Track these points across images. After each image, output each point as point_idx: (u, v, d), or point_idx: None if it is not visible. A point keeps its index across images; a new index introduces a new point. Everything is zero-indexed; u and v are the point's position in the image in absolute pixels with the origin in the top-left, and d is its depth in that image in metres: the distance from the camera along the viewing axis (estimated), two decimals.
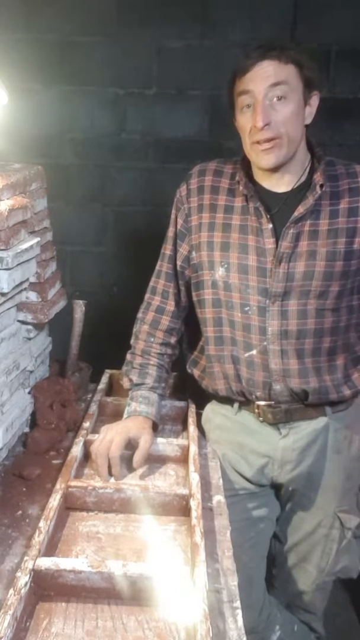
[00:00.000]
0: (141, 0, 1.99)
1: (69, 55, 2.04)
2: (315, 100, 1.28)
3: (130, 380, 1.45)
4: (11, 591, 0.90)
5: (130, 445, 1.31)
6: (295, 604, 1.59)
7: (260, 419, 1.41)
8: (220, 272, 1.35)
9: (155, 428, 1.40)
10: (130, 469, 1.31)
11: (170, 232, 1.46)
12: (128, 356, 1.49)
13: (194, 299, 1.44)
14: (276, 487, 1.50)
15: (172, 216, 1.45)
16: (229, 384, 1.42)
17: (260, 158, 1.26)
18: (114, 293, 2.24)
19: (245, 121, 1.25)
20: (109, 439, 1.29)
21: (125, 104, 2.09)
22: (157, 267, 1.48)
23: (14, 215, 1.30)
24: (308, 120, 1.28)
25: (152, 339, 1.47)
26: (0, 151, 1.69)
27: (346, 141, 2.11)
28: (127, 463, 1.31)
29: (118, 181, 2.16)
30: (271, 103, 1.21)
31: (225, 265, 1.34)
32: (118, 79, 2.06)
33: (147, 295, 1.50)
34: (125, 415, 1.40)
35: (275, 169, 1.28)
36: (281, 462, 1.42)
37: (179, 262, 1.44)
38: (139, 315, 1.50)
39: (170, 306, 1.47)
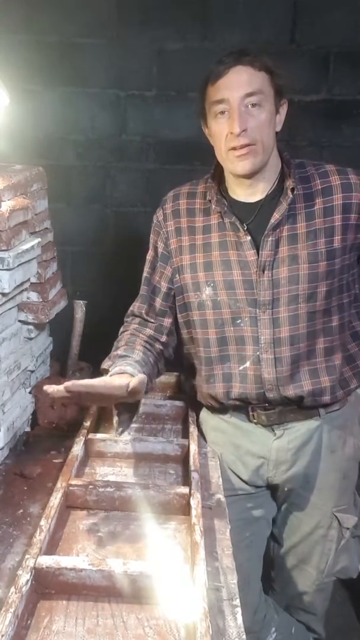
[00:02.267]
0: (141, 2, 2.00)
1: (69, 57, 2.04)
2: (284, 109, 1.28)
3: (114, 356, 1.31)
4: (12, 589, 0.90)
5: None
6: (295, 605, 1.59)
7: (254, 421, 1.42)
8: (207, 291, 1.35)
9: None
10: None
11: (150, 256, 1.45)
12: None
13: (180, 320, 1.43)
14: (272, 488, 1.50)
15: (152, 241, 1.45)
16: (219, 401, 1.42)
17: (236, 165, 1.26)
18: (114, 293, 2.24)
19: (220, 128, 1.24)
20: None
21: (126, 105, 2.10)
22: (141, 292, 1.45)
23: (15, 216, 1.31)
24: (278, 128, 1.28)
25: (136, 337, 1.39)
26: (2, 152, 1.70)
27: (345, 142, 2.12)
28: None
29: (119, 182, 2.17)
30: (247, 109, 1.21)
31: (212, 284, 1.34)
32: (119, 81, 2.07)
33: (127, 320, 1.46)
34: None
35: (250, 176, 1.29)
36: (276, 463, 1.43)
37: (165, 284, 1.42)
38: (120, 331, 1.44)
39: (152, 322, 1.42)
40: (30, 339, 1.51)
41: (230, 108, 1.22)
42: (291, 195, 1.28)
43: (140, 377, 1.11)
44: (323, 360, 1.36)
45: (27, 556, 0.97)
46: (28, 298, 1.49)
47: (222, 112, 1.23)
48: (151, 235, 1.45)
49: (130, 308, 1.47)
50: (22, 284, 1.39)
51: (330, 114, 2.08)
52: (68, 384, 1.02)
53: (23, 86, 1.99)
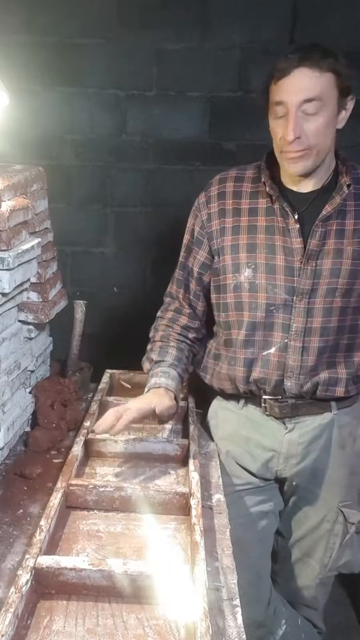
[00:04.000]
0: (141, 3, 2.00)
1: (69, 57, 2.05)
2: (350, 105, 1.28)
3: (151, 360, 1.46)
4: (12, 589, 0.90)
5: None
6: (297, 600, 1.60)
7: (267, 413, 1.43)
8: (246, 273, 1.36)
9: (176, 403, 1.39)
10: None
11: (186, 240, 1.48)
12: (148, 346, 1.51)
13: (213, 301, 1.45)
14: (280, 482, 1.51)
15: (189, 224, 1.47)
16: (236, 384, 1.43)
17: (288, 166, 1.28)
18: (114, 293, 2.25)
19: (277, 128, 1.26)
20: (129, 405, 1.30)
21: (126, 105, 2.10)
22: (175, 275, 1.51)
23: (15, 216, 1.31)
24: (341, 125, 1.29)
25: (170, 329, 1.49)
26: (2, 152, 1.70)
27: (345, 143, 2.11)
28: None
29: (118, 182, 2.17)
30: (304, 115, 1.21)
31: (253, 266, 1.35)
32: (118, 81, 2.07)
33: (166, 299, 1.54)
34: (145, 390, 1.39)
35: (303, 176, 1.30)
36: (286, 456, 1.44)
37: (196, 269, 1.45)
38: (158, 314, 1.54)
39: (187, 309, 1.49)
40: (30, 339, 1.51)
41: (287, 112, 1.22)
42: (347, 191, 1.30)
43: (165, 405, 1.32)
44: (343, 355, 1.39)
45: (27, 556, 0.97)
46: (28, 298, 1.49)
47: (281, 115, 1.23)
48: (189, 219, 1.47)
49: (168, 289, 1.53)
50: (22, 284, 1.39)
51: None
52: (116, 429, 1.24)
53: (23, 86, 1.99)
